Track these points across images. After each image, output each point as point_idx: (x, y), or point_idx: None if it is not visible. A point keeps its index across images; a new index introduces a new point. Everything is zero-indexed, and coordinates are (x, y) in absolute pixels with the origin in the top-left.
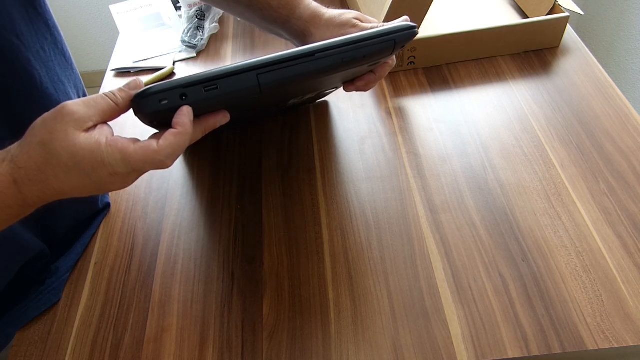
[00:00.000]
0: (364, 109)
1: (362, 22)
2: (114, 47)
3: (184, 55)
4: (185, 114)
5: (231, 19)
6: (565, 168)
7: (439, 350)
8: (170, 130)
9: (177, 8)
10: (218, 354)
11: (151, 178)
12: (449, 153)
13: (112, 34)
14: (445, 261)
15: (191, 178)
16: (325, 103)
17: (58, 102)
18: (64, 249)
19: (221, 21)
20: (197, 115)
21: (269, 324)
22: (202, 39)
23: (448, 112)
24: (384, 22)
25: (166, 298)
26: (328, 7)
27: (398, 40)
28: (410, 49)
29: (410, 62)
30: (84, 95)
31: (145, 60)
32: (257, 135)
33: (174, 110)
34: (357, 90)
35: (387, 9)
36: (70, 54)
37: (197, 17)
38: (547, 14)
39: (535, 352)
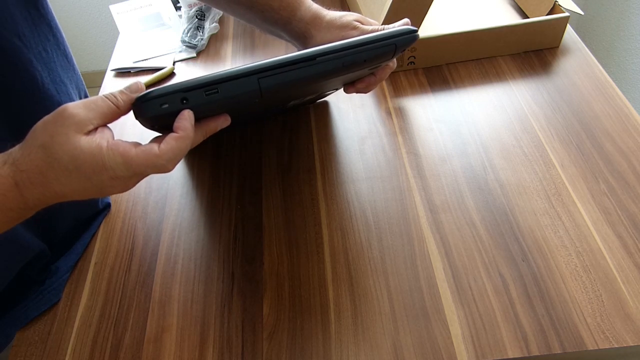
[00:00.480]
0: (364, 109)
1: (363, 24)
2: (114, 47)
3: (184, 55)
4: (186, 118)
5: (231, 19)
6: (565, 168)
7: (439, 350)
8: (172, 135)
9: (177, 8)
10: (218, 354)
11: (151, 178)
12: (449, 153)
13: (112, 34)
14: (445, 261)
15: (191, 178)
16: (325, 103)
17: (60, 103)
18: (64, 249)
19: (221, 21)
20: (198, 119)
21: (269, 324)
22: (202, 39)
23: (448, 112)
24: (383, 23)
25: (166, 298)
26: (329, 9)
27: (399, 44)
28: (410, 49)
29: (410, 62)
30: (86, 96)
31: (145, 60)
32: (257, 135)
33: (174, 114)
34: (357, 92)
35: (387, 9)
36: (72, 54)
37: (197, 17)
38: (547, 14)
39: (535, 352)
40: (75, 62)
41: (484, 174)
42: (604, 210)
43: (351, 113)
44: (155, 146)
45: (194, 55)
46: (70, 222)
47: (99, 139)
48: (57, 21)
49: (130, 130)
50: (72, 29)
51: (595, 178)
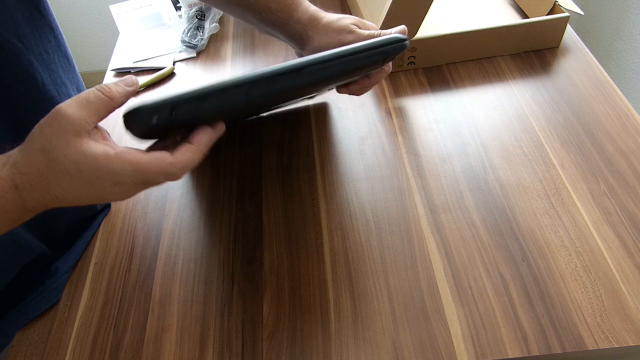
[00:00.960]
0: (364, 109)
1: (360, 28)
2: (114, 47)
3: (184, 55)
4: (206, 134)
5: (231, 19)
6: (565, 168)
7: (439, 350)
8: (188, 146)
9: (177, 8)
10: (218, 354)
11: None
12: (449, 153)
13: (112, 34)
14: (445, 261)
15: (191, 178)
16: (325, 103)
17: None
18: (64, 249)
19: (221, 21)
20: (188, 125)
21: (269, 324)
22: (202, 39)
23: (448, 112)
24: (383, 22)
25: (166, 298)
26: (327, 11)
27: (388, 54)
28: (410, 49)
29: (410, 62)
30: None
31: (145, 60)
32: (257, 135)
33: (165, 125)
34: (350, 94)
35: (387, 9)
36: (72, 56)
37: (197, 17)
38: (547, 14)
39: (535, 352)
40: (75, 64)
41: (484, 174)
42: (604, 210)
43: (351, 113)
44: (166, 154)
45: (194, 55)
46: (70, 222)
47: (103, 145)
48: (57, 22)
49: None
50: (72, 29)
51: (595, 178)
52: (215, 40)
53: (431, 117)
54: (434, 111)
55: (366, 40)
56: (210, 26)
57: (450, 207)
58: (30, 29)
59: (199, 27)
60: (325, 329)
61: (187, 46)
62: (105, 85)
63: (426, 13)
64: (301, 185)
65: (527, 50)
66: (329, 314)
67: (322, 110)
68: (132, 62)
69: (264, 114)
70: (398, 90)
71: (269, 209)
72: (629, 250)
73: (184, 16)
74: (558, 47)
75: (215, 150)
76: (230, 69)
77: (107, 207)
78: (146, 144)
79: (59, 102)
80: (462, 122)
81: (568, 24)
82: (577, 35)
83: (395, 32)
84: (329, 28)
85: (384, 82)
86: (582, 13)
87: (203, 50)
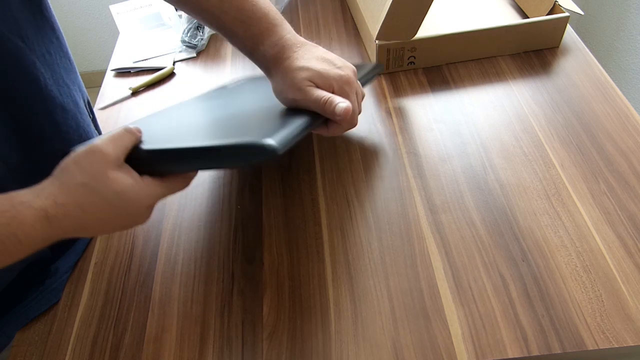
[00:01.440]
0: (363, 109)
1: (318, 85)
2: (114, 47)
3: (184, 55)
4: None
5: None
6: (565, 168)
7: (439, 350)
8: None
9: (177, 8)
10: (218, 354)
11: None
12: (449, 153)
13: (112, 34)
14: (445, 261)
15: None
16: None
17: (62, 105)
18: (63, 249)
19: None
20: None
21: (269, 324)
22: (202, 39)
23: (448, 112)
24: (383, 23)
25: (166, 298)
26: (326, 14)
27: (248, 159)
28: (410, 49)
29: (410, 62)
30: (87, 99)
31: (145, 60)
32: None
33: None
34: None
35: (387, 9)
36: (72, 57)
37: None
38: (547, 14)
39: (535, 352)
40: (75, 65)
41: (484, 174)
42: (604, 210)
43: None
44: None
45: (194, 55)
46: None
47: (133, 175)
48: (58, 23)
49: None
50: (72, 29)
51: (595, 178)
52: (215, 40)
53: (431, 117)
54: (434, 111)
55: (312, 102)
56: None
57: (450, 207)
58: (33, 30)
59: (199, 27)
60: (325, 329)
61: (187, 46)
62: (128, 127)
63: (426, 13)
64: (301, 185)
65: (527, 50)
66: (329, 314)
67: None
68: (132, 62)
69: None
70: (398, 90)
71: (269, 209)
72: (629, 250)
73: (184, 16)
74: (558, 47)
75: None
76: (230, 69)
77: None
78: None
79: (60, 103)
80: (462, 122)
81: (568, 24)
82: (577, 35)
83: (340, 109)
84: (286, 75)
85: (384, 82)
86: (582, 13)
87: (203, 50)
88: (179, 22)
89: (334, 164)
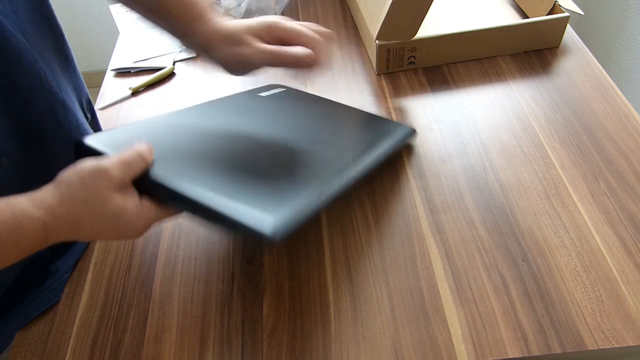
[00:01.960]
0: (364, 109)
1: (262, 37)
2: (114, 47)
3: (184, 55)
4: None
5: None
6: (565, 168)
7: (439, 350)
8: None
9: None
10: (218, 354)
11: None
12: (449, 153)
13: (112, 34)
14: (445, 261)
15: None
16: None
17: (62, 102)
18: (63, 249)
19: None
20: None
21: (269, 324)
22: None
23: (448, 112)
24: (383, 23)
25: (166, 298)
26: (326, 11)
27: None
28: (410, 49)
29: (410, 62)
30: (87, 100)
31: (145, 60)
32: None
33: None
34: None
35: (387, 9)
36: (73, 57)
37: None
38: (547, 14)
39: (535, 352)
40: (76, 65)
41: (484, 174)
42: (604, 210)
43: None
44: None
45: (194, 55)
46: None
47: (136, 200)
48: (60, 22)
49: None
50: (72, 29)
51: (595, 178)
52: None
53: (431, 117)
54: (434, 111)
55: (265, 54)
56: None
57: (450, 207)
58: (32, 26)
59: None
60: (325, 329)
61: (187, 46)
62: (139, 149)
63: (426, 13)
64: None
65: (527, 50)
66: (329, 314)
67: None
68: (132, 62)
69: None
70: (398, 90)
71: None
72: (629, 250)
73: None
74: (558, 47)
75: None
76: None
77: None
78: None
79: (61, 99)
80: (462, 122)
81: (568, 24)
82: (577, 35)
83: (302, 56)
84: (228, 38)
85: (383, 82)
86: (582, 13)
87: None
88: None
89: None
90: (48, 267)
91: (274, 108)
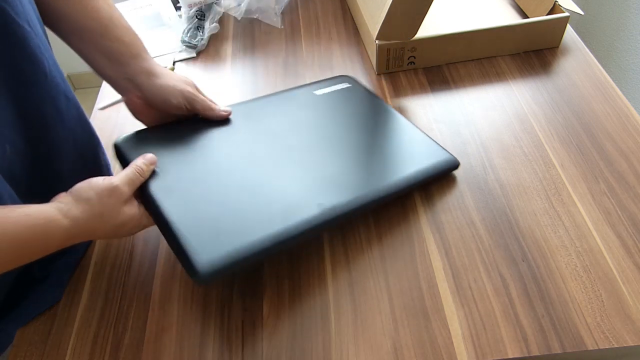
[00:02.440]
0: None
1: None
2: None
3: (184, 55)
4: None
5: (231, 19)
6: (565, 168)
7: (439, 350)
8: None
9: (177, 8)
10: (218, 354)
11: None
12: None
13: None
14: (445, 261)
15: None
16: None
17: (65, 93)
18: (64, 249)
19: (221, 21)
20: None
21: (269, 324)
22: (202, 39)
23: (448, 112)
24: (383, 23)
25: (166, 298)
26: (327, 11)
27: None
28: (410, 49)
29: (410, 62)
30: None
31: None
32: None
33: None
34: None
35: (387, 9)
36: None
37: (197, 17)
38: (547, 14)
39: (535, 352)
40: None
41: (484, 174)
42: (604, 210)
43: None
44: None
45: (194, 55)
46: None
47: (139, 208)
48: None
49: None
50: None
51: (595, 178)
52: (215, 40)
53: (431, 117)
54: (434, 111)
55: (202, 103)
56: (210, 26)
57: (450, 207)
58: (35, 16)
59: (199, 27)
60: (325, 328)
61: (187, 46)
62: (141, 166)
63: (426, 13)
64: None
65: (527, 50)
66: (329, 314)
67: None
68: None
69: None
70: (398, 90)
71: None
72: (629, 250)
73: (184, 16)
74: (558, 47)
75: None
76: (230, 69)
77: None
78: None
79: (64, 90)
80: (462, 122)
81: (568, 24)
82: (577, 35)
83: (223, 114)
84: (174, 75)
85: (383, 82)
86: (582, 13)
87: (203, 50)
88: (179, 22)
89: None
90: (49, 266)
91: (320, 111)
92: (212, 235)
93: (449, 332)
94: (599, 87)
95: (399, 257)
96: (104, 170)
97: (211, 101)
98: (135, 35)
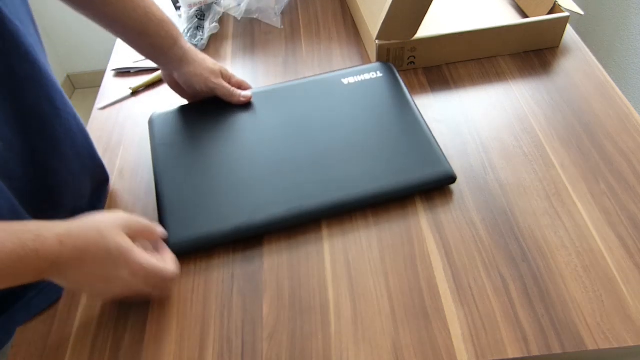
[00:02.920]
0: None
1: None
2: (114, 47)
3: None
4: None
5: (231, 19)
6: (565, 168)
7: (439, 350)
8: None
9: (177, 8)
10: (218, 354)
11: (150, 178)
12: (449, 153)
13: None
14: (445, 261)
15: None
16: None
17: (60, 91)
18: None
19: (221, 21)
20: None
21: (269, 324)
22: (202, 39)
23: (448, 112)
24: (383, 23)
25: (166, 298)
26: (326, 11)
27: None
28: (410, 49)
29: (410, 62)
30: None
31: (145, 60)
32: None
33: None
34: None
35: (387, 9)
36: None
37: (197, 17)
38: (547, 14)
39: (535, 352)
40: None
41: (484, 174)
42: (604, 210)
43: None
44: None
45: None
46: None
47: (144, 253)
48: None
49: (130, 130)
50: (72, 29)
51: (595, 178)
52: (215, 40)
53: (431, 117)
54: (434, 111)
55: (222, 90)
56: (210, 26)
57: (450, 207)
58: (27, 16)
59: (199, 27)
60: (325, 329)
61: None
62: (143, 223)
63: (426, 13)
64: None
65: (527, 50)
66: (329, 314)
67: None
68: (132, 62)
69: None
70: None
71: None
72: (629, 250)
73: (184, 16)
74: (558, 47)
75: None
76: (231, 68)
77: (103, 207)
78: None
79: (59, 89)
80: (462, 122)
81: (568, 24)
82: (577, 35)
83: (244, 99)
84: (203, 63)
85: None
86: (582, 13)
87: (203, 50)
88: (179, 22)
89: None
90: None
91: (339, 101)
92: (190, 218)
93: (449, 332)
94: (599, 87)
95: (399, 257)
96: (100, 169)
97: (241, 83)
98: (170, 24)
